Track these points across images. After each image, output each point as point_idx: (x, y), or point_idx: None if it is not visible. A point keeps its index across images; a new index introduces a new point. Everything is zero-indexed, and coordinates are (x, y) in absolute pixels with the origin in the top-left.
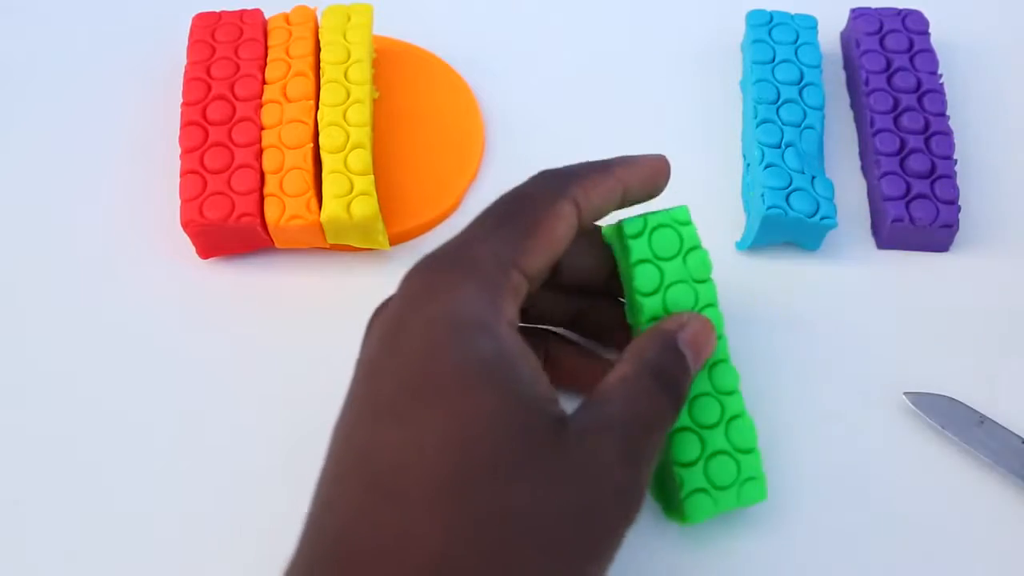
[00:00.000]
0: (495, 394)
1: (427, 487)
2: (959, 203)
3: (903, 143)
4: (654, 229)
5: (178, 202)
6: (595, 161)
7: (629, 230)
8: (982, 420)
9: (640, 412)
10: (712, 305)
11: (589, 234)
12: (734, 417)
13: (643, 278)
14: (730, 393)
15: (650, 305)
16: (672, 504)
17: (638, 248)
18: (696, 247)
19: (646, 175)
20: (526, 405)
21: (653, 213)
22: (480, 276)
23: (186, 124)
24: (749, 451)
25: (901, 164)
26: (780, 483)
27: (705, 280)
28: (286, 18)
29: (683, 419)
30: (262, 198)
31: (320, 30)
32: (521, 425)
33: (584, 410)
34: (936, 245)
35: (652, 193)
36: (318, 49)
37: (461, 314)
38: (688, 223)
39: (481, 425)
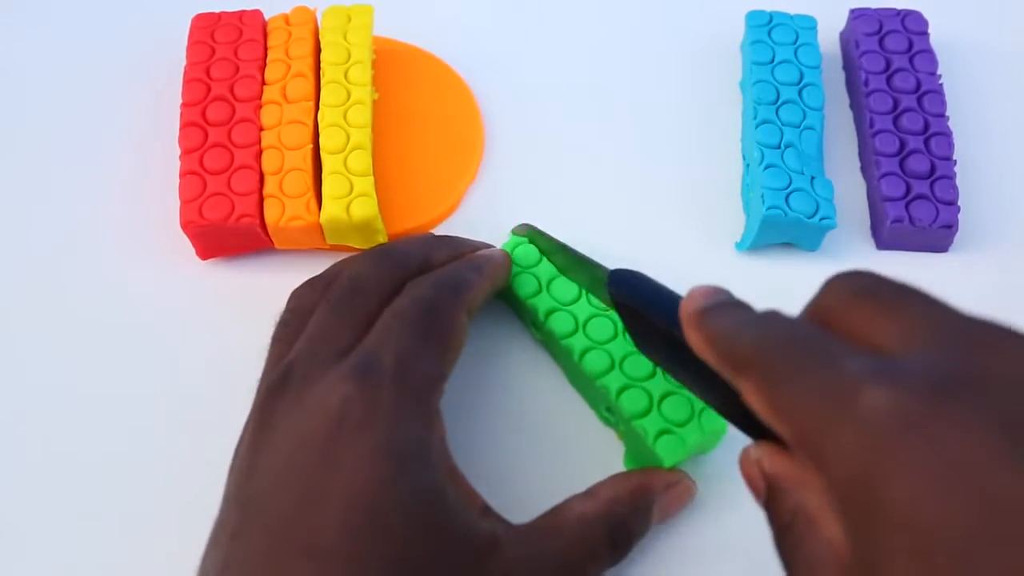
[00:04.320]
0: (432, 533)
1: None
2: (959, 203)
3: (903, 144)
4: (512, 249)
5: (178, 203)
6: (464, 262)
7: None
8: None
9: (579, 557)
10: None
11: None
12: None
13: (522, 285)
14: None
15: (542, 303)
16: (649, 463)
17: None
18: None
19: (503, 269)
20: (459, 538)
21: (504, 244)
22: (416, 395)
23: (186, 125)
24: None
25: (901, 165)
26: None
27: None
28: (286, 19)
29: (621, 379)
30: (262, 199)
31: (320, 31)
32: (451, 559)
33: (527, 538)
34: (936, 246)
35: (501, 285)
36: (318, 50)
37: (403, 443)
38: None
39: (419, 566)
